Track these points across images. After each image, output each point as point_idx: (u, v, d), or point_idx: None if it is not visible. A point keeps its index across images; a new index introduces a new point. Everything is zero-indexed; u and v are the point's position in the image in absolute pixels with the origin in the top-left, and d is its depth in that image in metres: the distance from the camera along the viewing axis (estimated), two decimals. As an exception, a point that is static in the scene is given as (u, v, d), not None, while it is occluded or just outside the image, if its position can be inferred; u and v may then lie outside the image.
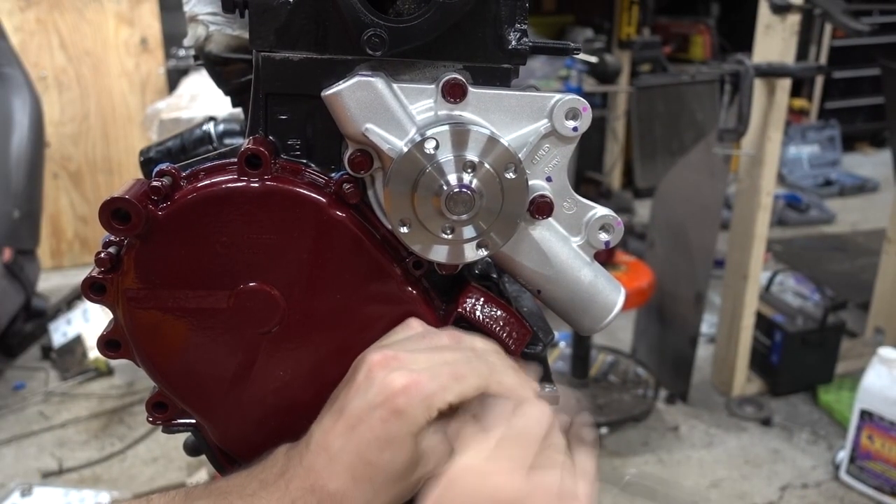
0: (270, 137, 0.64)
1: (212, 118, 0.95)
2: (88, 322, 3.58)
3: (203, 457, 0.72)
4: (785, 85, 2.79)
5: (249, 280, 0.63)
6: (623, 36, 5.07)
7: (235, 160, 0.61)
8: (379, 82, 0.59)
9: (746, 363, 3.17)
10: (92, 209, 4.20)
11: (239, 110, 0.92)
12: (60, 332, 3.59)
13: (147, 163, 0.91)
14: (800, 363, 3.15)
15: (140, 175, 0.82)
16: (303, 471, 0.58)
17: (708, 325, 3.50)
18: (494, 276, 0.74)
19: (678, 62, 5.97)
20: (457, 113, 0.61)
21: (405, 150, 0.59)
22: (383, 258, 0.64)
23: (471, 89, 0.60)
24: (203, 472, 2.47)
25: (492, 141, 0.59)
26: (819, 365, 3.19)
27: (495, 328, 0.66)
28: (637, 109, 5.36)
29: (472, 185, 0.59)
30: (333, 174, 0.64)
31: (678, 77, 5.30)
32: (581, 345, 3.09)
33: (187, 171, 0.63)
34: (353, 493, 0.56)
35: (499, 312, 0.67)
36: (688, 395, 3.16)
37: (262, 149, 0.61)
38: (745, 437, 2.97)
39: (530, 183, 0.62)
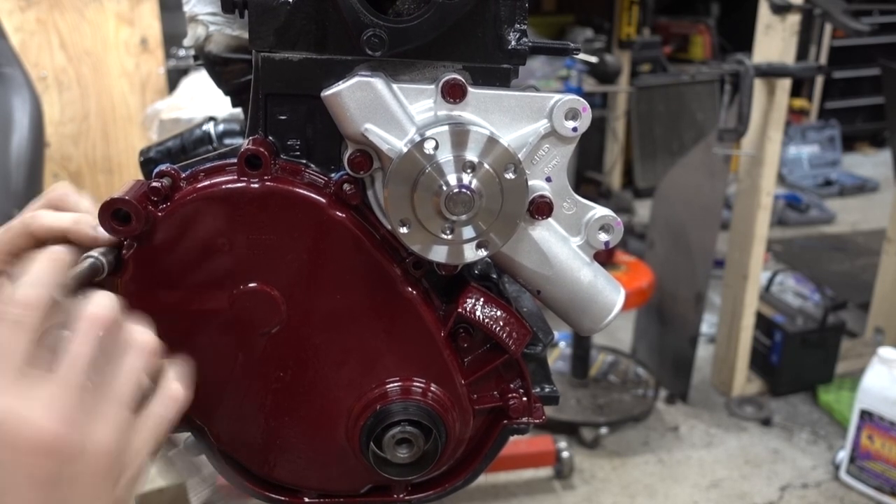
0: (270, 138, 0.64)
1: (212, 118, 0.95)
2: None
3: (203, 457, 0.72)
4: (785, 85, 2.79)
5: (249, 281, 0.63)
6: (623, 36, 5.06)
7: (235, 161, 0.61)
8: (378, 83, 0.59)
9: (746, 363, 3.16)
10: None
11: (239, 110, 0.92)
12: (60, 332, 3.58)
13: (147, 163, 0.91)
14: (800, 363, 3.15)
15: (140, 175, 0.82)
16: None
17: (708, 325, 3.50)
18: (494, 276, 0.74)
19: (678, 62, 5.96)
20: (456, 113, 0.61)
21: (405, 150, 0.59)
22: (383, 258, 0.64)
23: (470, 90, 0.60)
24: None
25: (491, 141, 0.59)
26: (819, 365, 3.18)
27: (495, 328, 0.66)
28: (637, 109, 5.35)
29: (472, 186, 0.59)
30: (333, 174, 0.64)
31: (678, 77, 5.29)
32: (581, 345, 3.09)
33: (187, 172, 0.63)
34: None
35: (499, 312, 0.67)
36: (688, 395, 3.16)
37: (261, 149, 0.61)
38: (745, 437, 2.97)
39: (530, 183, 0.62)
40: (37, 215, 0.62)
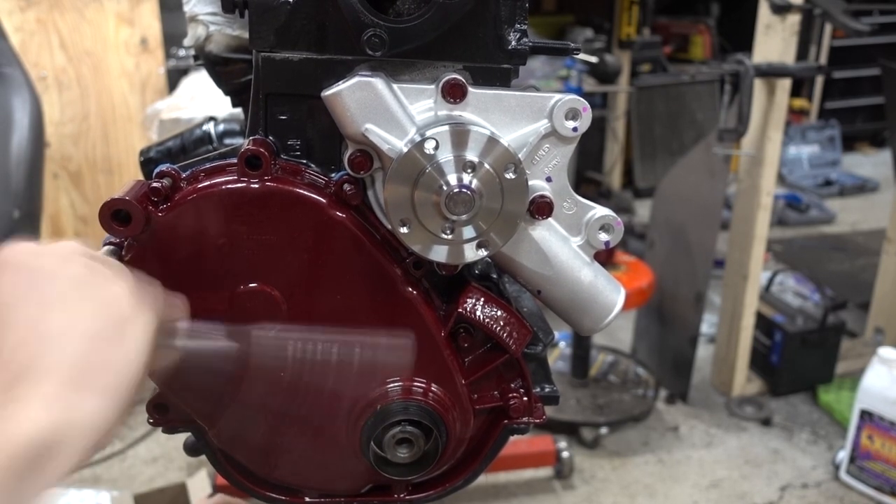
0: (270, 138, 0.64)
1: (212, 118, 0.95)
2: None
3: (203, 457, 0.72)
4: (785, 85, 2.79)
5: (250, 281, 0.63)
6: (623, 36, 5.06)
7: (235, 161, 0.61)
8: (379, 82, 0.59)
9: (746, 363, 3.16)
10: (92, 209, 4.18)
11: (239, 110, 0.92)
12: (60, 332, 3.57)
13: (147, 163, 0.91)
14: (800, 363, 3.15)
15: (140, 175, 0.82)
16: None
17: (708, 325, 3.50)
18: (494, 276, 0.74)
19: (678, 62, 5.96)
20: (457, 113, 0.61)
21: (405, 150, 0.59)
22: (383, 258, 0.64)
23: (470, 89, 0.60)
24: (203, 472, 2.47)
25: (492, 141, 0.59)
26: (819, 365, 3.18)
27: (496, 328, 0.66)
28: (637, 109, 5.35)
29: (472, 186, 0.59)
30: (333, 175, 0.64)
31: (678, 77, 5.29)
32: (581, 345, 3.09)
33: (187, 172, 0.63)
34: None
35: (499, 312, 0.67)
36: (688, 395, 3.16)
37: (261, 149, 0.61)
38: (745, 437, 2.96)
39: (530, 183, 0.62)
40: None
